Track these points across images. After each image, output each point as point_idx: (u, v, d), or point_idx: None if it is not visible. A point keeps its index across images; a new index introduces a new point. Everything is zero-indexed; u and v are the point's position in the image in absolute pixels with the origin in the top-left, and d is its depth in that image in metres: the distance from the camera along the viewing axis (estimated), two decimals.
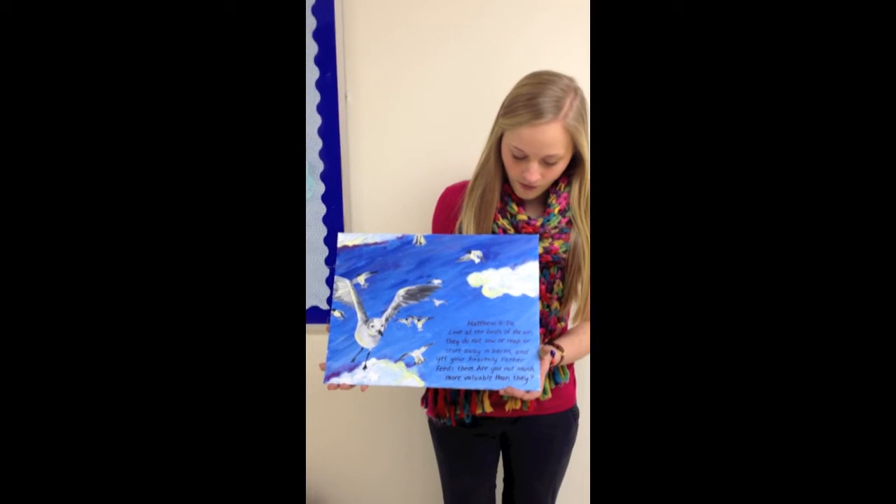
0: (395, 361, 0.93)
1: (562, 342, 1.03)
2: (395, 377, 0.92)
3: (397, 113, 1.39)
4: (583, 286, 1.05)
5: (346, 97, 1.38)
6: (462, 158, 1.12)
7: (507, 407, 1.07)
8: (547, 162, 0.95)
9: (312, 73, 1.37)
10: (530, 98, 0.93)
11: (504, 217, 1.04)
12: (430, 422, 1.20)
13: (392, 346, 0.94)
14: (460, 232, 1.06)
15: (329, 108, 1.38)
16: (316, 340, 1.08)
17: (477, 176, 1.06)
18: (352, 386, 0.93)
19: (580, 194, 1.02)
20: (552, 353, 0.97)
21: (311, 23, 1.35)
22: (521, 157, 0.96)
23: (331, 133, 1.39)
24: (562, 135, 0.93)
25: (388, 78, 1.38)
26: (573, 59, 1.29)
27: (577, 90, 0.96)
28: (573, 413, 1.19)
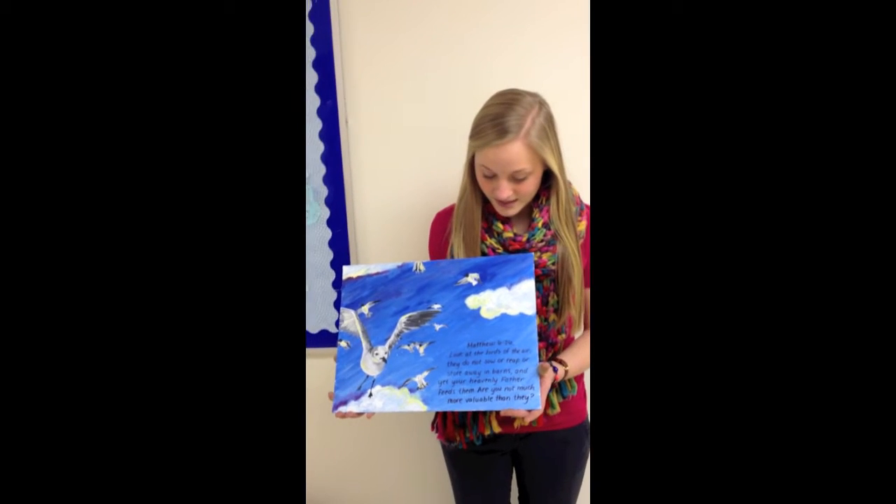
0: (399, 387, 0.95)
1: (564, 356, 1.04)
2: (399, 403, 0.94)
3: (397, 135, 1.41)
4: (575, 295, 1.05)
5: (346, 123, 1.41)
6: (460, 179, 1.14)
7: (516, 424, 1.07)
8: (516, 178, 0.98)
9: (314, 101, 1.40)
10: (494, 118, 0.96)
11: (491, 236, 1.06)
12: (442, 445, 1.21)
13: (395, 372, 0.96)
14: (452, 255, 1.08)
15: (331, 135, 1.41)
16: (327, 364, 1.11)
17: (460, 199, 1.09)
18: (359, 414, 0.95)
19: (559, 206, 1.04)
20: (554, 370, 0.98)
21: (310, 53, 1.38)
22: (491, 176, 0.99)
23: (334, 159, 1.42)
24: (525, 151, 0.95)
25: (387, 101, 1.40)
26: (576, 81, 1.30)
27: (541, 105, 0.99)
28: (585, 428, 1.18)
